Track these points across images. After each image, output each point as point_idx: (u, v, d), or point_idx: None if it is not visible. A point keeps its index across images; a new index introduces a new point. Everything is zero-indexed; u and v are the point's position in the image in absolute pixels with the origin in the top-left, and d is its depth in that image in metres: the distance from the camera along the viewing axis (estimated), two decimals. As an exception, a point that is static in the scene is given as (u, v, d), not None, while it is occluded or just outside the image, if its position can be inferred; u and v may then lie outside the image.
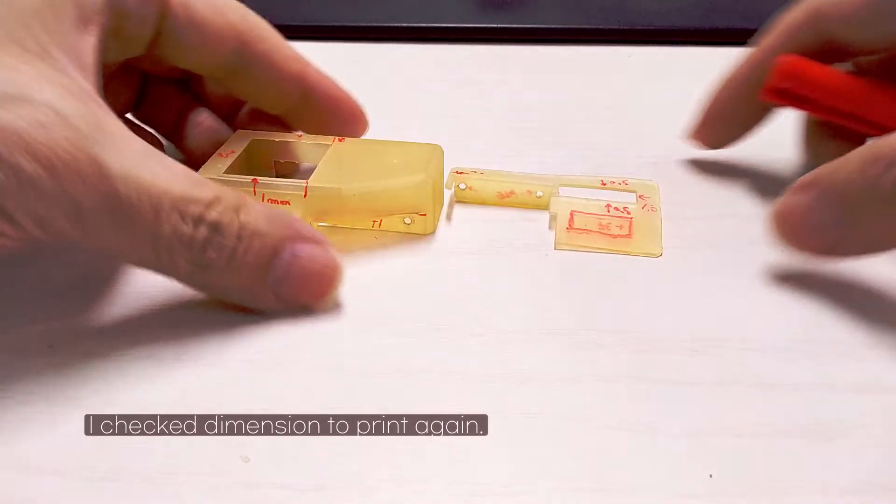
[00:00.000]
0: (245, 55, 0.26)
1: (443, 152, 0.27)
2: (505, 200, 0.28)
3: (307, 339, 0.22)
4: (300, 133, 0.29)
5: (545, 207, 0.28)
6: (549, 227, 0.27)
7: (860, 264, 0.24)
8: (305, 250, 0.22)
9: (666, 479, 0.18)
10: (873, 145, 0.22)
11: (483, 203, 0.28)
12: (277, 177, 0.28)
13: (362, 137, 0.29)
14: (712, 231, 0.27)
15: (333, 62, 0.29)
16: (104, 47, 0.23)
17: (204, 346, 0.22)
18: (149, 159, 0.20)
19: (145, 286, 0.24)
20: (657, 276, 0.25)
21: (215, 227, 0.21)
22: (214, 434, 0.19)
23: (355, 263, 0.25)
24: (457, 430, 0.20)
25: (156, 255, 0.20)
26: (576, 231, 0.26)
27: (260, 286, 0.22)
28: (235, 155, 0.26)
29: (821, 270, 0.25)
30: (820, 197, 0.22)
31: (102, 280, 0.24)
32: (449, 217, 0.27)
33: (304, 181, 0.25)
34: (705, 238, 0.27)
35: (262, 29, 0.27)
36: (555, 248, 0.26)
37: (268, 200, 0.25)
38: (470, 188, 0.28)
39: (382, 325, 0.23)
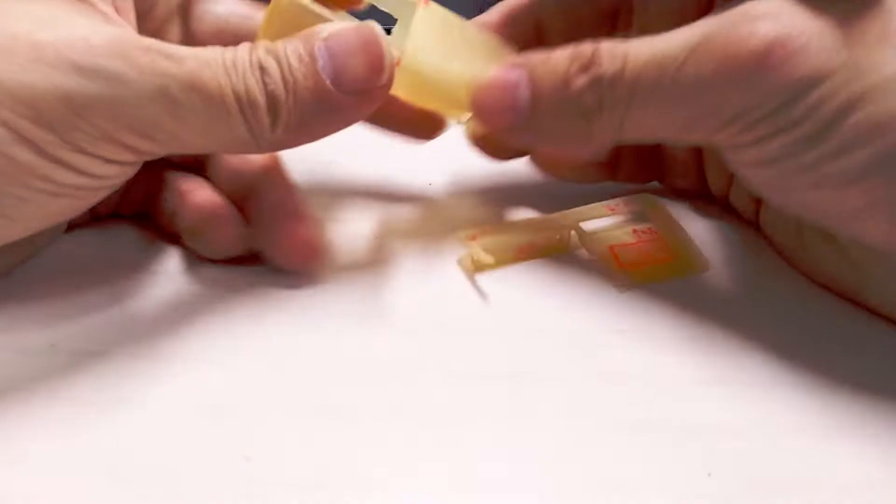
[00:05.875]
0: None
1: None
2: (524, 254, 0.26)
3: (307, 339, 0.22)
4: None
5: (564, 250, 0.26)
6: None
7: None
8: (329, 36, 0.21)
9: (665, 479, 0.18)
10: (582, 44, 0.22)
11: (504, 265, 0.25)
12: None
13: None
14: (706, 233, 0.27)
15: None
16: None
17: (204, 346, 0.22)
18: (193, 48, 0.21)
19: (147, 286, 0.24)
20: (656, 276, 0.25)
21: (262, 67, 0.21)
22: (214, 434, 0.19)
23: (356, 264, 0.25)
24: (457, 429, 0.20)
25: (244, 118, 0.21)
26: (629, 267, 0.25)
27: (328, 93, 0.21)
28: None
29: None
30: (522, 78, 0.22)
31: (104, 279, 0.24)
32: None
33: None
34: (703, 239, 0.27)
35: None
36: (621, 293, 0.24)
37: None
38: (488, 251, 0.24)
39: (383, 325, 0.23)
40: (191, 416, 0.20)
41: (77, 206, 0.21)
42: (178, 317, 0.23)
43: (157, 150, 0.21)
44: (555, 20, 0.27)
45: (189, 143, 0.21)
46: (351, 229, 0.27)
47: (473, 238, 0.25)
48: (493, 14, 0.27)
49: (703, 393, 0.21)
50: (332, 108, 0.21)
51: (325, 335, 0.22)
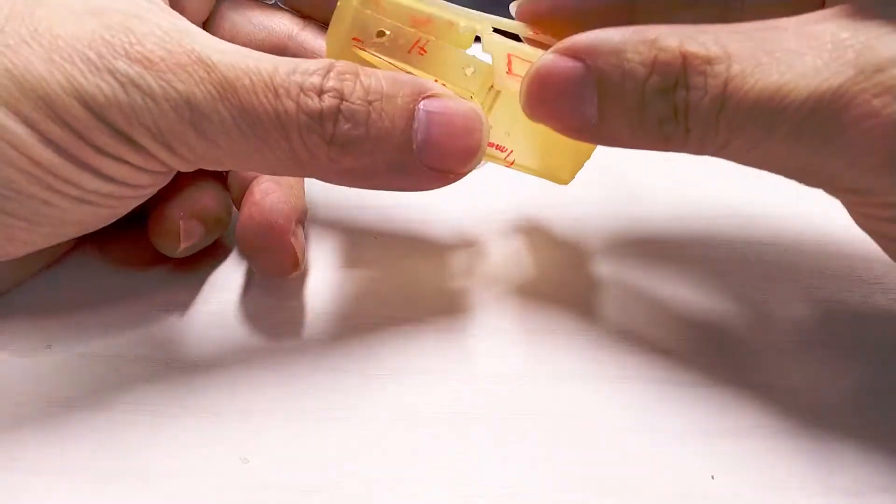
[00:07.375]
0: None
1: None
2: (417, 25, 0.21)
3: (307, 339, 0.22)
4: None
5: (465, 45, 0.22)
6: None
7: (861, 267, 0.25)
8: (436, 104, 0.19)
9: (667, 480, 0.18)
10: (656, 36, 0.18)
11: (392, 18, 0.21)
12: None
13: None
14: (713, 230, 0.27)
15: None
16: None
17: (203, 347, 0.22)
18: (242, 50, 0.18)
19: (145, 287, 0.24)
20: (658, 275, 0.25)
21: (339, 94, 0.18)
22: (212, 436, 0.19)
23: (356, 267, 0.25)
24: (457, 430, 0.20)
25: (289, 144, 0.18)
26: (515, 77, 0.21)
27: (408, 156, 0.19)
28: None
29: (820, 272, 0.25)
30: (588, 73, 0.18)
31: (101, 280, 0.24)
32: None
33: None
34: (703, 236, 0.27)
35: None
36: (496, 88, 0.22)
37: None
38: (376, 3, 0.21)
39: (382, 325, 0.23)
40: (189, 419, 0.20)
41: (102, 214, 0.19)
42: (175, 319, 0.23)
43: (181, 166, 0.19)
44: None
45: (220, 161, 0.19)
46: (348, 227, 0.27)
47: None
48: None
49: (705, 394, 0.21)
50: (405, 170, 0.19)
51: (323, 336, 0.22)
